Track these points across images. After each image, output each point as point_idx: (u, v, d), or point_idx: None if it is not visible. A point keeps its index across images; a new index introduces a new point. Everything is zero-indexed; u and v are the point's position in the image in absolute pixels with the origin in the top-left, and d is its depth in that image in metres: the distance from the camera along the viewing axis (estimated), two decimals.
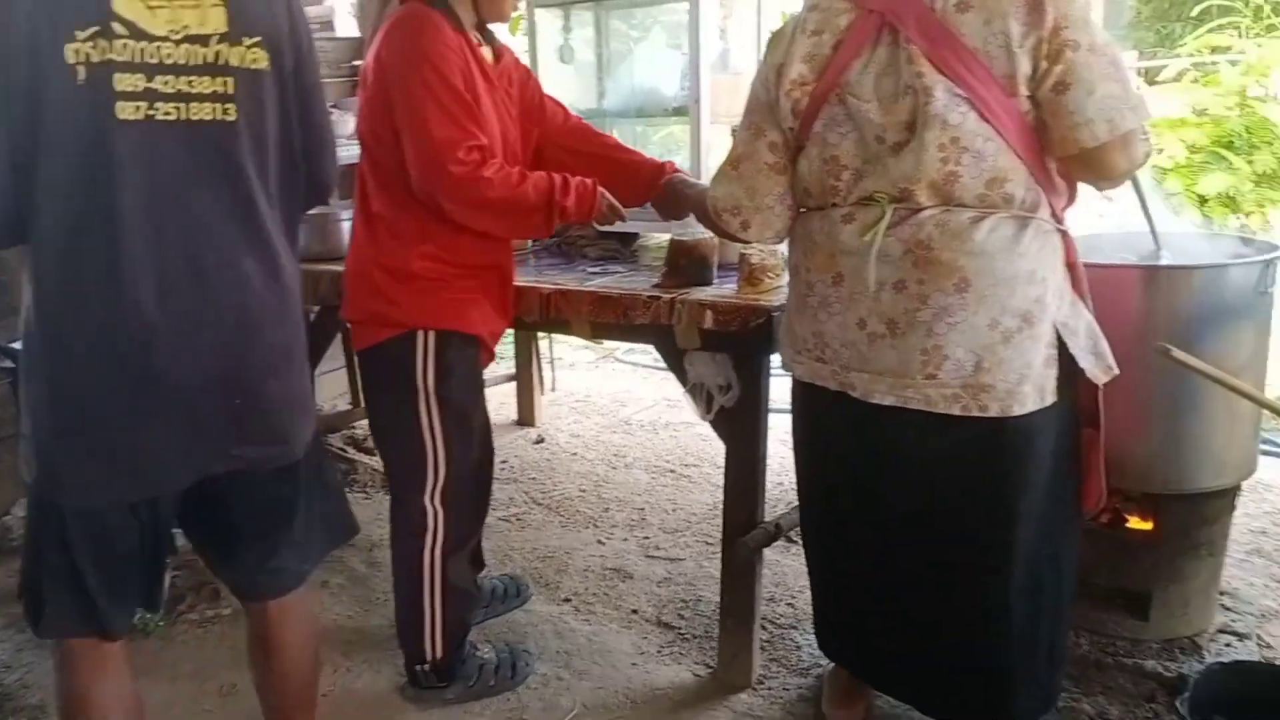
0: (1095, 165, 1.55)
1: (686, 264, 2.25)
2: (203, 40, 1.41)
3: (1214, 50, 7.07)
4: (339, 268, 2.30)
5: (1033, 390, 1.57)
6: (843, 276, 1.63)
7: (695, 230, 2.26)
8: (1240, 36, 6.71)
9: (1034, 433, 1.60)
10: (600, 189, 2.09)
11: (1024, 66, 1.49)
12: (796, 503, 2.03)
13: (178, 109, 1.40)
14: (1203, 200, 6.09)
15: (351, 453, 3.63)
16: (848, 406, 1.66)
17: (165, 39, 1.38)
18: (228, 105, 1.44)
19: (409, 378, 2.07)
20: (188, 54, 1.40)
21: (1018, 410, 1.56)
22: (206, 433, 1.49)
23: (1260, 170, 5.99)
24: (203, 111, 1.42)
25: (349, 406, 3.96)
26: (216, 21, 1.42)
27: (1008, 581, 1.65)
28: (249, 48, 1.45)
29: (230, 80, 1.44)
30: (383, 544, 3.02)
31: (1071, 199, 1.68)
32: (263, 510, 1.64)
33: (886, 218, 1.56)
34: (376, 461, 3.54)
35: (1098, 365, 1.63)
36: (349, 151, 3.39)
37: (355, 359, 2.26)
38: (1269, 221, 5.95)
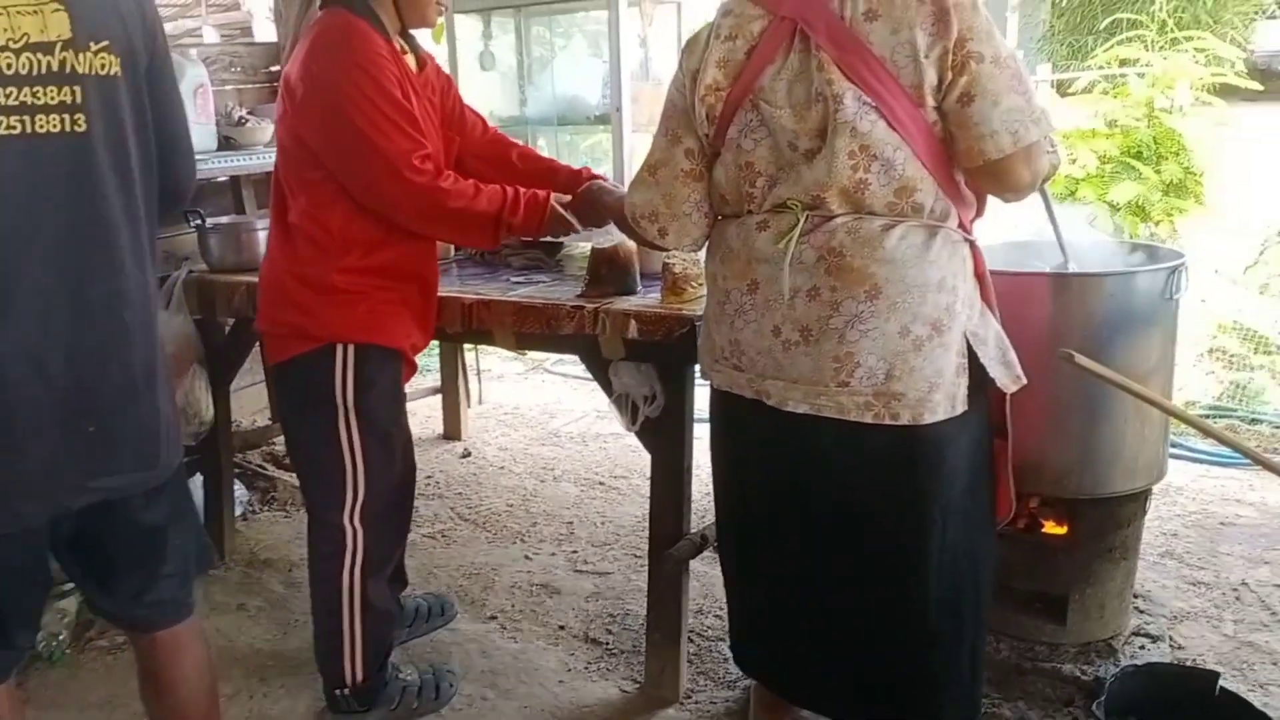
0: (1000, 177, 1.57)
1: (609, 273, 2.24)
2: (45, 48, 1.32)
3: (1122, 63, 7.31)
4: (255, 279, 2.24)
5: (944, 399, 1.58)
6: (758, 284, 1.63)
7: (615, 237, 2.25)
8: (1147, 49, 6.94)
9: (945, 441, 1.61)
10: (553, 203, 2.06)
11: (930, 77, 1.50)
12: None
13: (21, 122, 1.31)
14: (1114, 209, 6.28)
15: (271, 470, 3.54)
16: (764, 415, 1.66)
17: (4, 49, 1.29)
18: (77, 115, 1.35)
19: (327, 393, 2.02)
20: (29, 63, 1.31)
21: (928, 419, 1.57)
22: (59, 467, 1.42)
23: (1168, 180, 6.20)
24: (49, 124, 1.33)
25: (268, 422, 3.85)
26: (59, 27, 1.33)
27: (926, 589, 1.66)
28: (97, 53, 1.37)
29: (78, 89, 1.35)
30: (302, 564, 2.94)
31: (980, 210, 1.70)
32: (134, 540, 1.58)
33: (800, 225, 1.57)
34: (294, 479, 3.46)
35: (1007, 375, 1.65)
36: (262, 160, 3.33)
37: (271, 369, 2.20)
38: (1177, 230, 6.16)
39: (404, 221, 1.97)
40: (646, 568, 2.32)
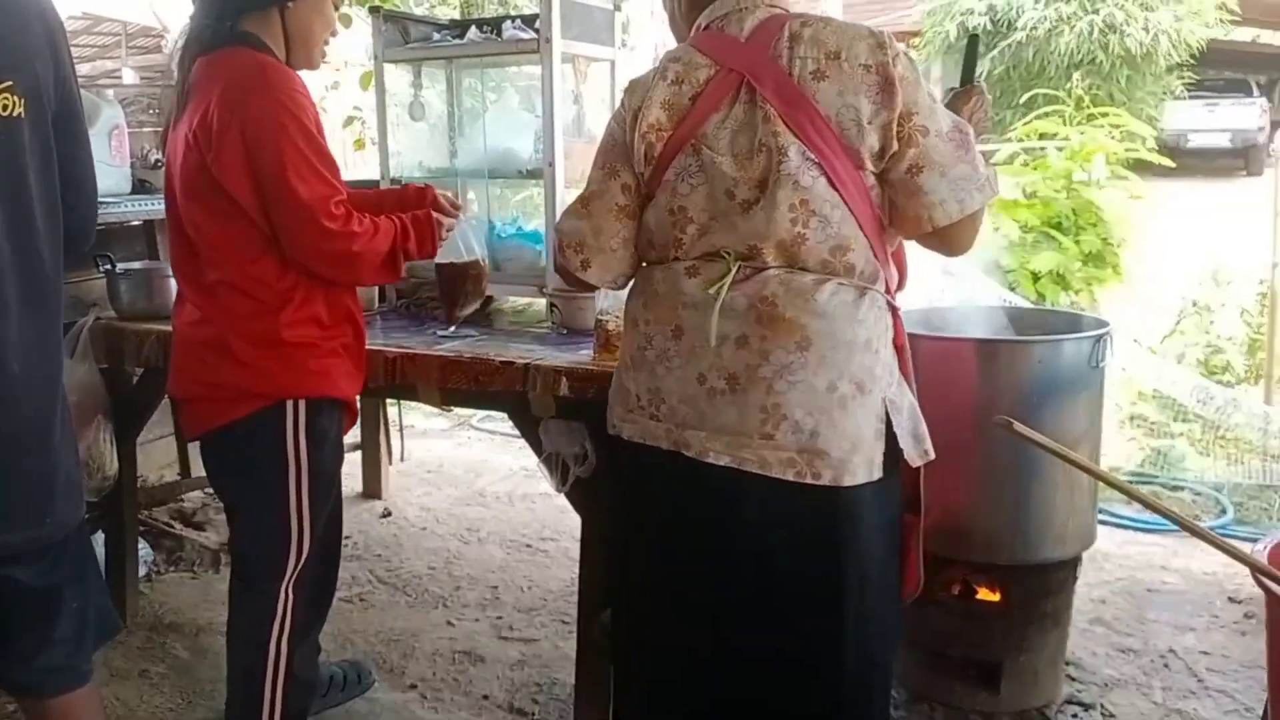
0: (947, 241, 1.62)
1: (473, 289, 2.24)
2: None
3: (1041, 136, 7.58)
4: (167, 327, 2.13)
5: (863, 462, 1.56)
6: (683, 330, 1.60)
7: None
8: (1065, 124, 7.21)
9: (863, 505, 1.58)
10: (432, 214, 2.04)
11: (872, 142, 1.52)
12: None
13: None
14: (1035, 277, 6.46)
15: (178, 528, 3.36)
16: (681, 469, 1.60)
17: None
18: None
19: (279, 452, 1.93)
20: None
21: (848, 480, 1.55)
22: None
23: (1087, 250, 6.40)
24: None
25: (176, 478, 3.68)
26: None
27: (841, 660, 1.61)
28: (0, 92, 1.33)
29: None
30: (210, 628, 2.80)
31: (902, 282, 1.71)
32: (23, 600, 1.49)
33: (732, 273, 1.56)
34: (205, 538, 3.31)
35: (915, 448, 1.63)
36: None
37: (198, 437, 2.03)
38: (1096, 299, 6.35)
39: (315, 267, 1.89)
40: (575, 634, 2.23)
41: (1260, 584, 1.71)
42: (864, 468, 1.55)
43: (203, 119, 1.81)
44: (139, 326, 2.56)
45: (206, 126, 1.80)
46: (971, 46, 1.97)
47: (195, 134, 1.82)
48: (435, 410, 4.85)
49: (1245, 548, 1.83)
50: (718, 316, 1.54)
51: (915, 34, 14.70)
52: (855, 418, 1.54)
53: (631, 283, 1.76)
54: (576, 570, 2.81)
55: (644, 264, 1.73)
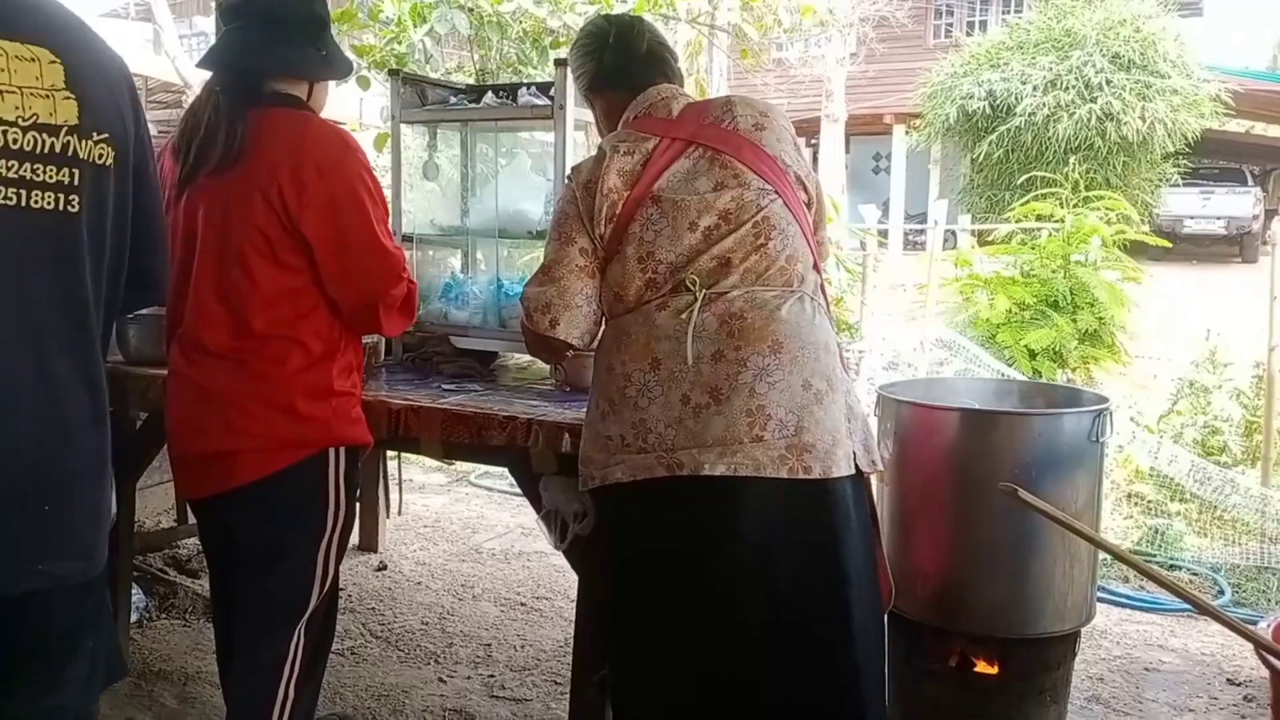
0: None
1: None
2: (51, 130, 1.38)
3: (1039, 217, 7.71)
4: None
5: (844, 455, 1.67)
6: (659, 360, 1.70)
7: None
8: (1062, 206, 7.34)
9: (848, 499, 1.69)
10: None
11: (802, 181, 1.81)
12: None
13: (18, 195, 1.35)
14: (1032, 354, 6.52)
15: (173, 574, 3.34)
16: (677, 491, 1.65)
17: (13, 124, 1.35)
18: (71, 197, 1.40)
19: (321, 499, 1.96)
20: (34, 141, 1.36)
21: (836, 472, 1.65)
22: (8, 545, 1.35)
23: (1083, 329, 6.47)
24: (44, 200, 1.38)
25: (173, 524, 3.67)
26: (67, 113, 1.40)
27: (854, 653, 1.67)
28: (96, 142, 1.43)
29: (77, 172, 1.41)
30: (199, 677, 2.77)
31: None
32: (47, 636, 1.47)
33: (699, 298, 1.69)
34: (199, 585, 3.28)
35: (867, 456, 1.74)
36: None
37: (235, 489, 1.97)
38: (1093, 377, 6.40)
39: (379, 321, 1.98)
40: (568, 696, 2.21)
41: (1266, 661, 1.71)
42: (845, 461, 1.67)
43: (292, 177, 1.85)
44: (145, 371, 2.57)
45: (297, 183, 1.85)
46: None
47: (281, 190, 1.85)
48: (434, 465, 4.86)
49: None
50: (691, 339, 1.67)
51: (916, 116, 14.99)
52: (831, 412, 1.67)
53: (599, 339, 1.85)
54: (570, 630, 2.78)
55: (611, 319, 1.82)
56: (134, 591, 3.00)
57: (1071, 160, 9.18)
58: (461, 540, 4.01)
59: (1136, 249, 7.93)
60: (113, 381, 2.57)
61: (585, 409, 2.22)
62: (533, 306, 1.82)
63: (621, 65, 1.91)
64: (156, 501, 3.71)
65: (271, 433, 1.92)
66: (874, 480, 1.81)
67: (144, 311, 2.73)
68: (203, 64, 2.01)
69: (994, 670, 2.23)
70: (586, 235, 1.80)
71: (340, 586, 3.24)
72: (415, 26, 5.02)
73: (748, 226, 1.71)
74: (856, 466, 1.70)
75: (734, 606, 1.67)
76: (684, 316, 1.69)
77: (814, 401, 1.66)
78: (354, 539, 3.79)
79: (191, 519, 3.51)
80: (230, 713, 2.08)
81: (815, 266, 1.81)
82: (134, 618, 2.99)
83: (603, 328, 1.85)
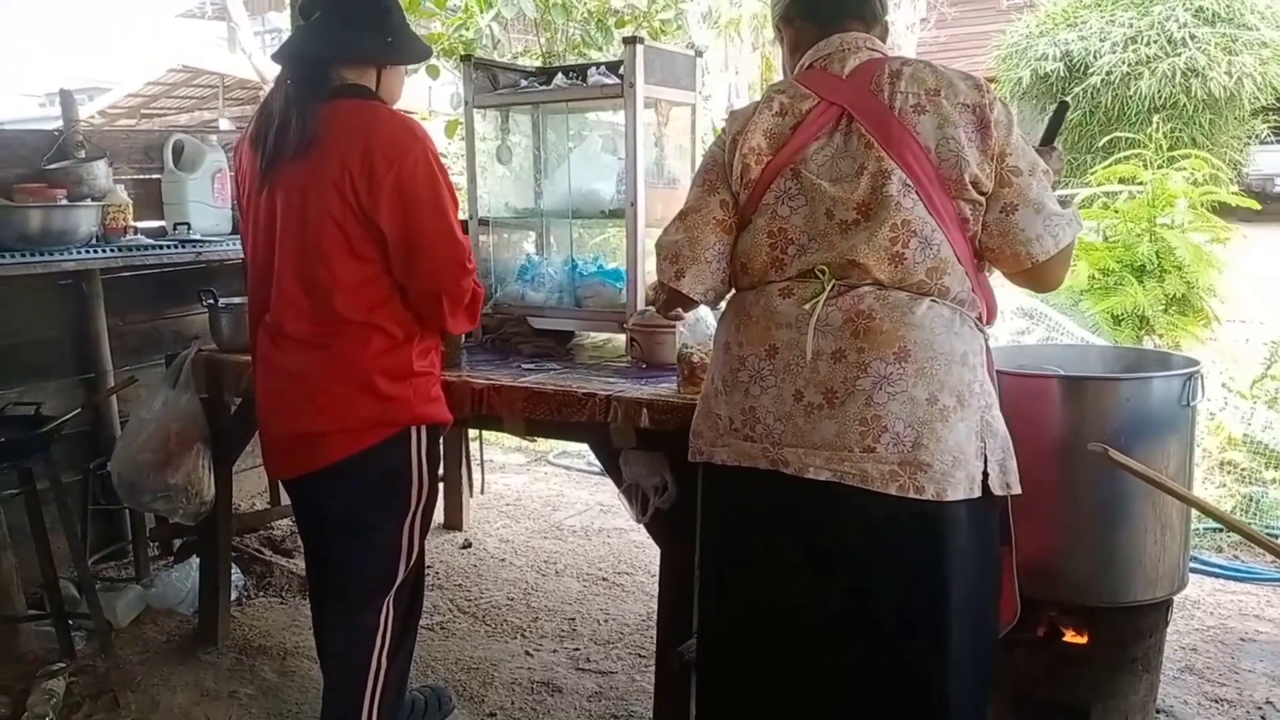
0: (1040, 278, 1.67)
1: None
2: None
3: (1121, 180, 7.47)
4: None
5: (965, 479, 1.55)
6: (777, 349, 1.61)
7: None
8: (1145, 168, 7.09)
9: (963, 524, 1.57)
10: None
11: (972, 172, 1.57)
12: None
13: None
14: (1117, 320, 6.33)
15: (268, 554, 3.47)
16: (778, 487, 1.60)
17: None
18: None
19: (405, 476, 2.04)
20: None
21: (951, 495, 1.54)
22: None
23: (1170, 293, 6.26)
24: None
25: (266, 505, 3.80)
26: None
27: (946, 687, 1.59)
28: None
29: None
30: (297, 651, 2.88)
31: (991, 316, 1.72)
32: None
33: (827, 290, 1.59)
34: (293, 564, 3.40)
35: (1000, 479, 1.61)
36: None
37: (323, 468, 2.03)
38: (1180, 344, 6.19)
39: (444, 314, 2.02)
40: (652, 668, 2.24)
41: None
42: (965, 484, 1.55)
43: (362, 167, 1.89)
44: (238, 358, 2.68)
45: (367, 174, 1.89)
46: (1059, 111, 2.03)
47: (353, 181, 1.89)
48: (513, 445, 4.94)
49: None
50: (813, 332, 1.57)
51: (991, 80, 14.62)
52: (956, 431, 1.54)
53: (721, 309, 1.79)
54: (652, 604, 2.82)
55: (734, 291, 1.76)
56: (233, 571, 3.12)
57: (1155, 119, 8.84)
58: (543, 518, 4.08)
59: (1224, 210, 7.63)
60: (208, 368, 2.72)
61: (660, 384, 2.26)
62: (662, 254, 1.76)
63: None
64: (250, 484, 3.84)
65: (356, 413, 1.98)
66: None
67: (235, 300, 2.86)
68: (275, 57, 2.07)
69: (1084, 639, 2.20)
70: (728, 188, 1.72)
71: (427, 564, 3.34)
72: (482, 12, 5.07)
73: (885, 230, 1.56)
74: (986, 489, 1.58)
75: (824, 614, 1.61)
76: (808, 307, 1.58)
77: (938, 418, 1.53)
78: (439, 517, 3.89)
79: (283, 500, 3.65)
80: (327, 681, 2.16)
81: (974, 282, 1.62)
82: (233, 595, 3.11)
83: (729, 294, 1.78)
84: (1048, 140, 1.92)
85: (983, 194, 1.59)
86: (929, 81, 1.60)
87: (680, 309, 1.91)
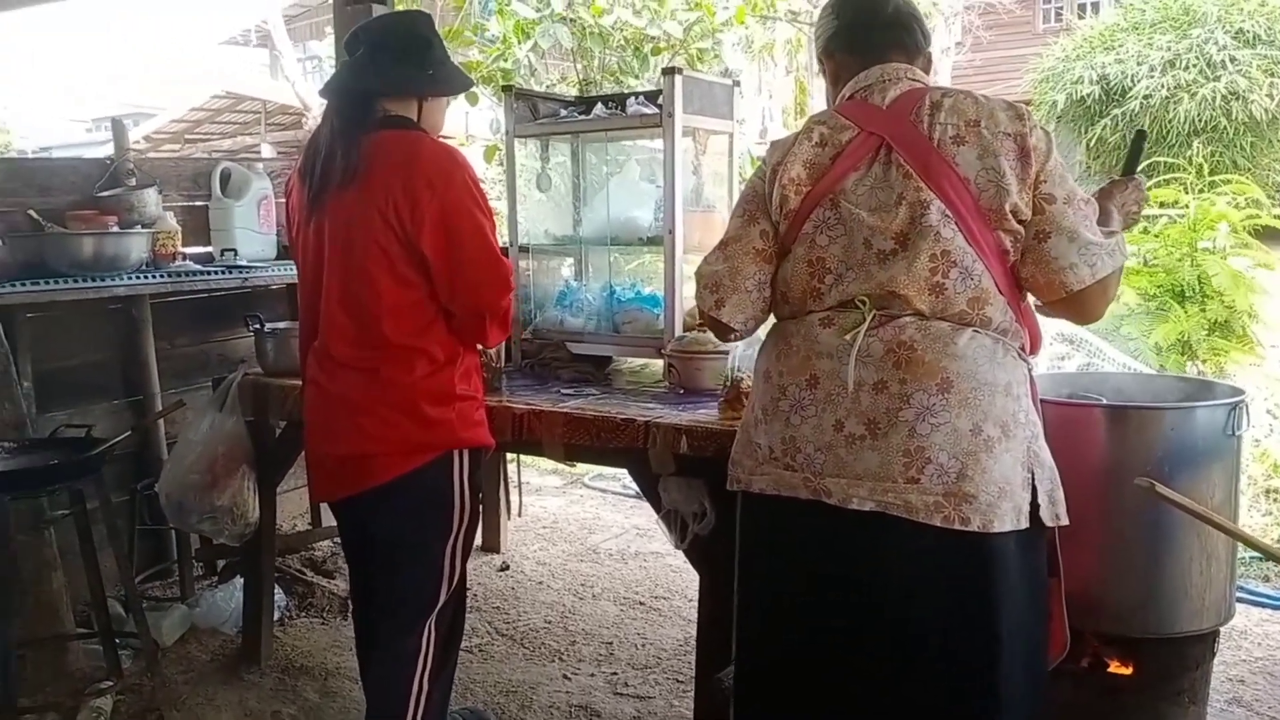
0: (1077, 307, 1.64)
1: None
2: None
3: (1161, 204, 7.40)
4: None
5: (1011, 509, 1.54)
6: (818, 379, 1.61)
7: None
8: (1186, 192, 7.02)
9: (1011, 556, 1.56)
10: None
11: (1009, 202, 1.57)
12: None
13: None
14: (1159, 347, 6.25)
15: (310, 575, 3.50)
16: (821, 518, 1.59)
17: None
18: None
19: (448, 499, 2.07)
20: None
21: (997, 527, 1.53)
22: None
23: (1212, 319, 6.18)
24: None
25: (308, 527, 3.85)
26: None
27: (995, 716, 1.57)
28: None
29: None
30: (339, 672, 2.91)
31: (1035, 346, 1.71)
32: None
33: (867, 320, 1.58)
34: (336, 585, 3.44)
35: (1049, 510, 1.60)
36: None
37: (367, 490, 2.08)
38: (1224, 370, 6.10)
39: (485, 331, 2.06)
40: (690, 694, 2.24)
41: None
42: (1011, 515, 1.54)
43: (406, 195, 1.94)
44: (283, 382, 2.73)
45: (410, 201, 1.94)
46: (1137, 141, 2.01)
47: (397, 209, 1.94)
48: (549, 469, 4.96)
49: None
50: (854, 363, 1.56)
51: (1025, 102, 14.55)
52: (1001, 462, 1.53)
53: (762, 339, 1.79)
54: (689, 629, 2.82)
55: (776, 320, 1.77)
56: (275, 591, 3.16)
57: (1195, 143, 8.77)
58: (579, 541, 4.09)
59: (1266, 233, 7.53)
60: (253, 392, 2.77)
61: (699, 410, 2.27)
62: (702, 283, 1.77)
63: (857, 25, 1.77)
64: (291, 506, 3.89)
65: (401, 436, 2.02)
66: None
67: (280, 325, 2.92)
68: (323, 92, 2.13)
69: (1128, 670, 2.17)
70: (768, 219, 1.73)
71: (466, 586, 3.36)
72: (520, 42, 5.14)
73: (923, 259, 1.56)
74: (1036, 519, 1.57)
75: (866, 644, 1.60)
76: (848, 337, 1.58)
77: (983, 449, 1.52)
78: (478, 540, 3.91)
79: (324, 522, 3.70)
80: (370, 703, 2.19)
81: (1015, 312, 1.62)
82: (275, 616, 3.15)
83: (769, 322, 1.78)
84: (1128, 171, 1.90)
85: (1022, 222, 1.59)
86: (969, 112, 1.61)
87: (724, 339, 1.90)
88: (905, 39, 1.75)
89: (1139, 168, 1.94)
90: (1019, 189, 1.57)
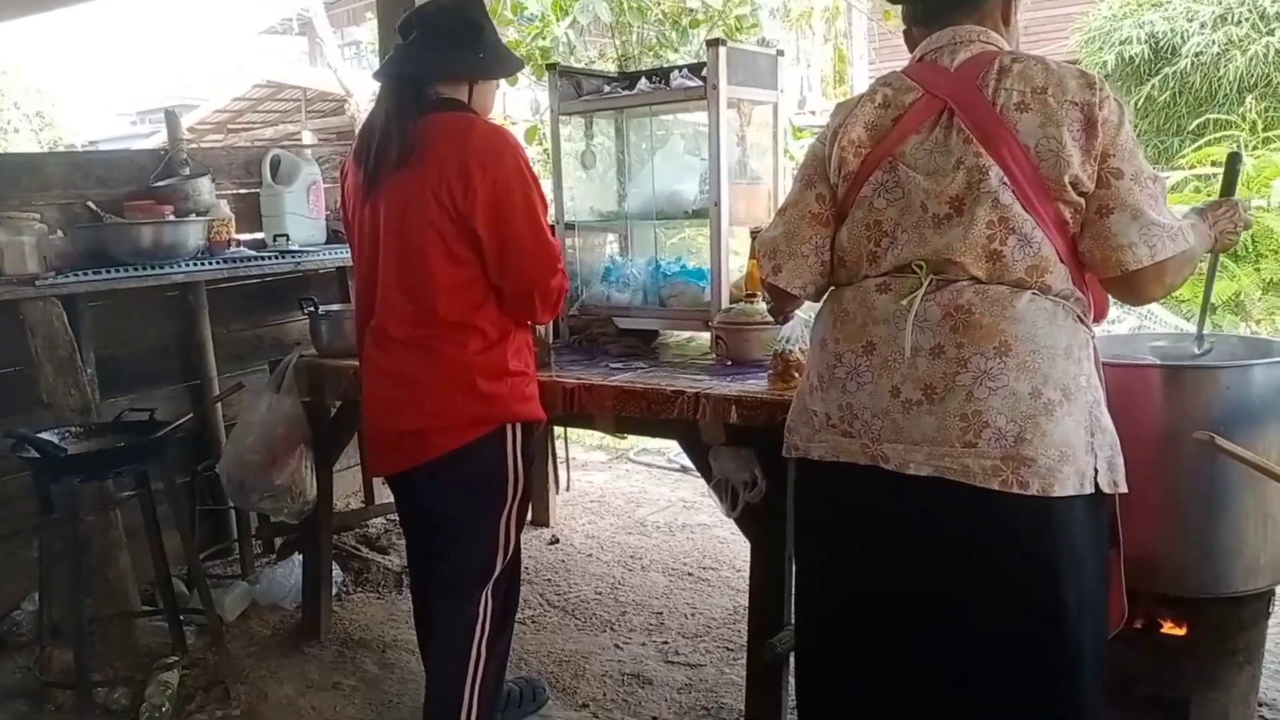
0: (1132, 287, 1.59)
1: None
2: None
3: (1214, 163, 7.24)
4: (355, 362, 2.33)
5: (1074, 473, 1.52)
6: (874, 345, 1.60)
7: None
8: (1239, 149, 6.86)
9: (1076, 521, 1.54)
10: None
11: (1070, 174, 1.54)
12: None
13: None
14: (1212, 307, 6.13)
15: (365, 551, 3.59)
16: (878, 483, 1.59)
17: None
18: None
19: (501, 471, 2.12)
20: None
21: (1058, 491, 1.50)
22: None
23: (1267, 278, 6.06)
24: None
25: (362, 504, 3.93)
26: None
27: (1055, 683, 1.56)
28: None
29: None
30: (396, 645, 2.98)
31: (1101, 313, 1.69)
32: None
33: (925, 285, 1.56)
34: (390, 560, 3.51)
35: (1107, 476, 1.58)
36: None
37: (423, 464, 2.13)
38: (1278, 328, 5.98)
39: (535, 309, 2.10)
40: (740, 661, 2.28)
41: None
42: (1074, 479, 1.51)
43: (459, 175, 1.98)
44: (338, 363, 2.79)
45: (463, 182, 1.98)
46: (1231, 163, 1.99)
47: (450, 189, 1.99)
48: (595, 443, 5.01)
49: None
50: (911, 328, 1.55)
51: (1073, 63, 14.22)
52: (1063, 425, 1.51)
53: (819, 306, 1.79)
54: (738, 599, 2.85)
55: (832, 287, 1.76)
56: (332, 567, 3.24)
57: (1248, 99, 8.54)
58: (626, 514, 4.14)
59: None
60: (309, 373, 2.83)
61: (748, 381, 2.29)
62: (761, 250, 1.78)
63: None
64: (345, 484, 3.97)
65: (457, 411, 2.06)
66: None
67: (334, 307, 2.98)
68: (376, 75, 2.17)
69: (1183, 631, 2.16)
70: (826, 182, 1.72)
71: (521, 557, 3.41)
72: (558, 20, 5.15)
73: (980, 226, 1.54)
74: (1097, 485, 1.54)
75: (923, 603, 1.60)
76: (905, 303, 1.56)
77: (1043, 412, 1.50)
78: (528, 514, 3.97)
79: (379, 499, 3.78)
80: (430, 672, 2.25)
81: (1076, 281, 1.59)
82: (333, 591, 3.23)
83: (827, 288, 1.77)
84: (1227, 192, 1.88)
85: (1083, 195, 1.55)
86: (1037, 79, 1.56)
87: (785, 307, 1.91)
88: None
89: (1235, 191, 1.91)
90: (1081, 160, 1.53)
